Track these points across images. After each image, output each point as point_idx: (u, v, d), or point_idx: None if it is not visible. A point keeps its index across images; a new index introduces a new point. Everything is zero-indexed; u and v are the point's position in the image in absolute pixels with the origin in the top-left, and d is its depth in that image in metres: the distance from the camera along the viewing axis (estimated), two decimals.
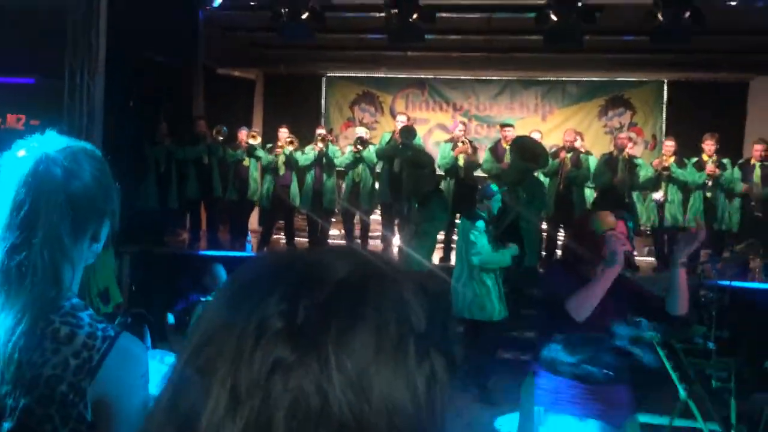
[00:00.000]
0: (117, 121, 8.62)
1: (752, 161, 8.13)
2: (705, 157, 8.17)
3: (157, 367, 1.51)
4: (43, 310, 1.13)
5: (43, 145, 1.20)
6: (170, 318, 6.06)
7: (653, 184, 8.30)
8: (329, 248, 0.60)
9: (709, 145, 8.14)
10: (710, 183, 8.10)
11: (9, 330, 1.13)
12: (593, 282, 2.79)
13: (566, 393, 2.85)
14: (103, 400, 1.13)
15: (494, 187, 6.22)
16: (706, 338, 5.31)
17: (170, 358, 1.52)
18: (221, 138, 8.80)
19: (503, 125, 8.99)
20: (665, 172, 8.17)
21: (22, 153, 1.19)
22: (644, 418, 4.68)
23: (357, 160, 8.75)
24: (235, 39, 10.52)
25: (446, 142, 9.02)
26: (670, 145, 8.34)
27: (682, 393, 5.15)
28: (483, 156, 8.77)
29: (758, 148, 8.12)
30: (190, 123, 9.15)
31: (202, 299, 6.11)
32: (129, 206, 8.07)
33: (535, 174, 8.06)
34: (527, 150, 7.55)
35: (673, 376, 5.19)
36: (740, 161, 8.28)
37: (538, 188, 7.73)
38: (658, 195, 8.25)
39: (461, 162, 8.59)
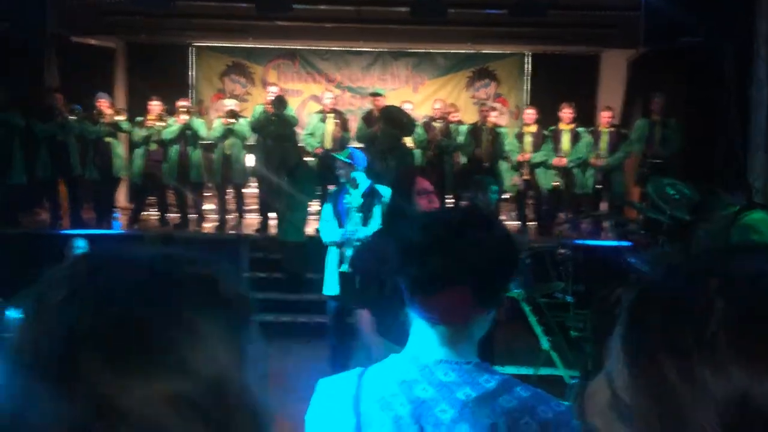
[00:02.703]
0: None
1: (600, 128, 8.78)
2: (562, 125, 8.73)
3: None
4: None
5: None
6: None
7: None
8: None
9: (565, 114, 8.70)
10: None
11: None
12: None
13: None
14: None
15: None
16: (564, 293, 5.73)
17: None
18: (74, 117, 8.24)
19: (373, 94, 9.16)
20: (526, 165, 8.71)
21: None
22: (511, 370, 5.02)
23: (227, 132, 8.56)
24: (90, 5, 9.84)
25: (316, 113, 9.04)
26: (530, 113, 8.86)
27: (545, 344, 5.56)
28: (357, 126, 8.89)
29: (605, 115, 8.80)
30: (41, 96, 8.50)
31: None
32: None
33: (404, 143, 8.28)
34: (394, 118, 7.74)
35: (537, 329, 5.58)
36: (591, 129, 8.92)
37: (406, 156, 7.93)
38: (518, 180, 8.77)
39: (329, 134, 8.64)
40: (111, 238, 7.76)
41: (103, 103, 8.46)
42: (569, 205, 8.81)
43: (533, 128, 8.75)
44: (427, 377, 1.20)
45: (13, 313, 4.98)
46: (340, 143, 8.50)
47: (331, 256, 5.78)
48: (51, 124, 8.14)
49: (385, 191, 5.59)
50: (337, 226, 5.54)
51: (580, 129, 8.74)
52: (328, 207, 5.68)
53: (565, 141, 8.65)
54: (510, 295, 5.82)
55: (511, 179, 8.75)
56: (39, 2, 8.12)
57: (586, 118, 9.40)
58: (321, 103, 9.32)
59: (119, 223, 8.41)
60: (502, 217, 9.07)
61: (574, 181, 8.68)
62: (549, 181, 8.70)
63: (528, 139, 8.73)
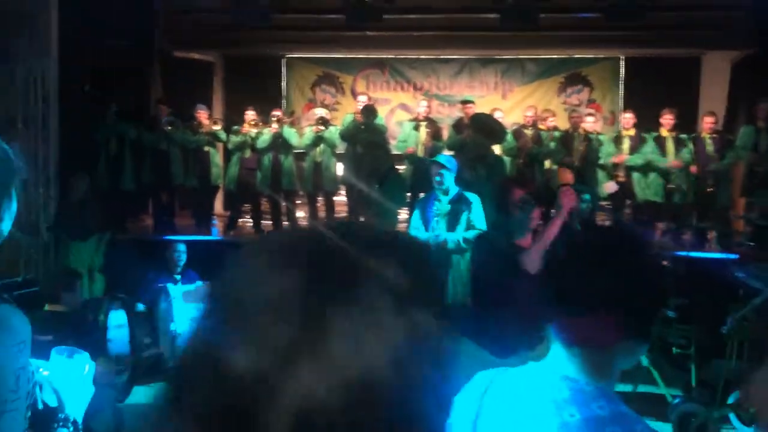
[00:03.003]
0: (73, 106, 8.44)
1: (702, 134, 8.36)
2: (663, 132, 8.37)
3: (63, 362, 1.56)
4: None
5: None
6: (140, 306, 6.03)
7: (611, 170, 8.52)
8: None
9: (667, 120, 8.34)
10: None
11: None
12: (542, 233, 2.90)
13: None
14: None
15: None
16: (666, 307, 5.49)
17: (80, 356, 1.59)
18: (170, 128, 8.65)
19: (464, 102, 9.06)
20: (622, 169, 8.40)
21: None
22: None
23: (318, 140, 8.71)
24: (192, 21, 10.32)
25: (409, 121, 9.05)
26: (628, 117, 8.54)
27: (644, 360, 5.33)
28: (447, 134, 8.86)
29: (708, 121, 8.35)
30: (147, 107, 9.00)
31: (167, 284, 6.09)
32: (87, 190, 8.00)
33: (495, 151, 8.19)
34: (484, 126, 7.66)
35: None
36: (692, 135, 8.50)
37: (497, 165, 7.82)
38: (611, 187, 8.46)
39: (422, 142, 8.63)
40: (210, 244, 8.09)
41: (202, 115, 8.84)
42: (669, 215, 8.43)
43: (631, 132, 8.44)
44: (544, 391, 1.17)
45: (115, 315, 5.25)
46: (432, 151, 8.48)
47: None
48: (156, 134, 8.59)
49: (474, 198, 5.56)
50: (424, 232, 5.55)
51: (682, 135, 8.35)
52: (417, 213, 5.70)
53: (670, 148, 8.26)
54: None
55: (604, 185, 8.45)
56: (149, 21, 8.60)
57: (685, 123, 9.00)
58: (413, 112, 9.32)
59: (217, 230, 8.73)
60: None
61: (674, 189, 8.31)
62: (651, 187, 8.31)
63: (626, 144, 8.42)
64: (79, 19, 8.18)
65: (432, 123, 8.88)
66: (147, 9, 8.76)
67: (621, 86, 11.36)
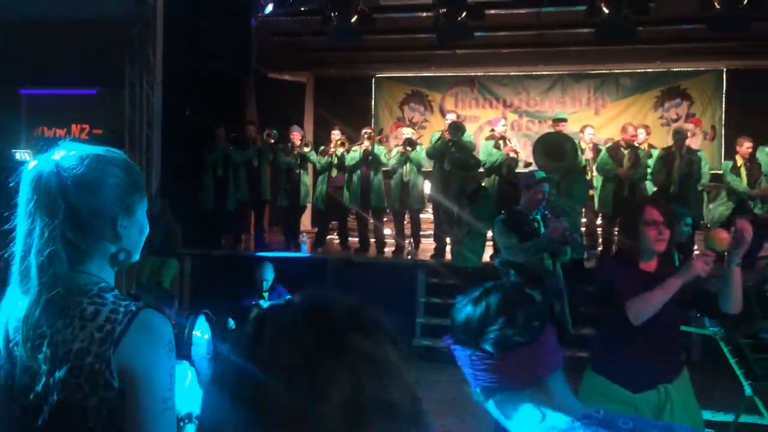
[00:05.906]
0: (175, 128, 8.89)
1: None
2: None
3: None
4: (55, 293, 1.25)
5: (54, 155, 1.32)
6: (231, 322, 6.26)
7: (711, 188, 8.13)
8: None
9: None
10: None
11: (26, 311, 1.27)
12: (657, 290, 2.69)
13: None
14: (127, 367, 1.23)
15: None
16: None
17: (180, 366, 1.65)
18: (272, 141, 8.95)
19: (556, 120, 8.80)
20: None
21: (32, 164, 1.32)
22: (706, 415, 4.58)
23: (404, 159, 8.73)
24: (285, 44, 10.68)
25: (487, 139, 8.89)
26: (748, 147, 7.98)
27: (748, 389, 5.01)
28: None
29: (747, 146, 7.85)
30: (242, 128, 9.35)
31: (256, 302, 6.28)
32: (188, 209, 8.38)
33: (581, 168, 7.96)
34: (551, 147, 7.39)
35: (738, 372, 5.05)
36: None
37: (578, 181, 7.56)
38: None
39: (506, 159, 8.48)
40: (299, 261, 8.30)
41: (296, 136, 9.09)
42: None
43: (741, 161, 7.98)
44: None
45: (200, 331, 5.42)
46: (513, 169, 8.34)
47: None
48: (249, 152, 8.92)
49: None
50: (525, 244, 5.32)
51: None
52: (506, 231, 5.43)
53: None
54: (706, 333, 5.34)
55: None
56: (245, 44, 8.95)
57: None
58: (494, 130, 9.14)
59: (305, 247, 8.92)
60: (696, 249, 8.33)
61: None
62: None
63: (743, 173, 7.97)
64: (181, 45, 8.63)
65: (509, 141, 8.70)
66: (245, 33, 9.12)
67: (723, 99, 10.81)
